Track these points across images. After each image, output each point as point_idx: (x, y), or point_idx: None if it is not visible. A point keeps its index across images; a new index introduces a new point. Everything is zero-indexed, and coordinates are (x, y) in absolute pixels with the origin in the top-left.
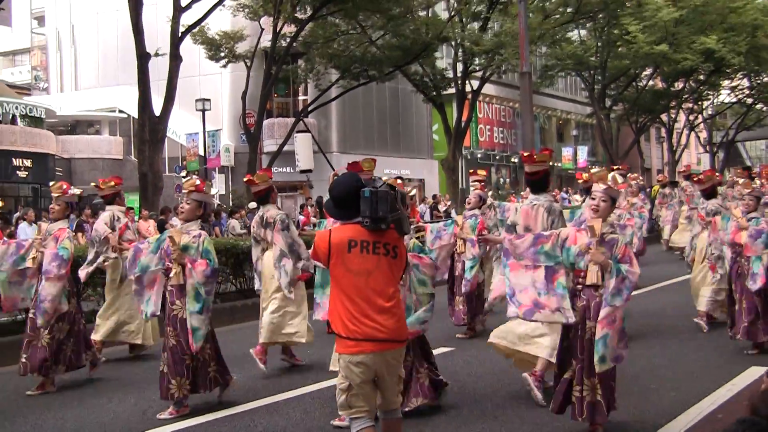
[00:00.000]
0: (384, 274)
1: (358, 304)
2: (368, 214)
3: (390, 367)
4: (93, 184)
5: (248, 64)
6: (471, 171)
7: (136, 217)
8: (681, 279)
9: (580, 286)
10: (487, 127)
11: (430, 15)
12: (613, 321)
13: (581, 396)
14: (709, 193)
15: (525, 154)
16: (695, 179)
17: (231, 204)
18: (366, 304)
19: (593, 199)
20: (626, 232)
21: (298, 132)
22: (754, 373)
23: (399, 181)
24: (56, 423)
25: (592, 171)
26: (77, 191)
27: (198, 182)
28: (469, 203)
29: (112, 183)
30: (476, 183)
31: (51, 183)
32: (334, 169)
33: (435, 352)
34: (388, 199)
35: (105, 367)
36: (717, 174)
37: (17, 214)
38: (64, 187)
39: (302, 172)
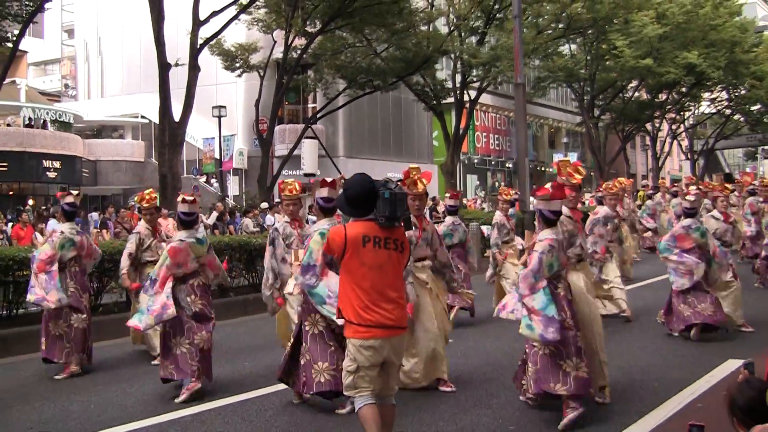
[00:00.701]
0: (394, 267)
1: (371, 294)
2: (387, 214)
3: (396, 352)
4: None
5: (261, 74)
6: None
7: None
8: (664, 277)
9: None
10: (484, 134)
11: (431, 29)
12: None
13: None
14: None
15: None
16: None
17: (244, 204)
18: (377, 294)
19: None
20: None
21: (305, 138)
22: (731, 365)
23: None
24: (81, 406)
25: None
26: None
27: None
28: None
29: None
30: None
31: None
32: (340, 173)
33: None
34: (404, 201)
35: (126, 355)
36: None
37: (47, 212)
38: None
39: (306, 175)
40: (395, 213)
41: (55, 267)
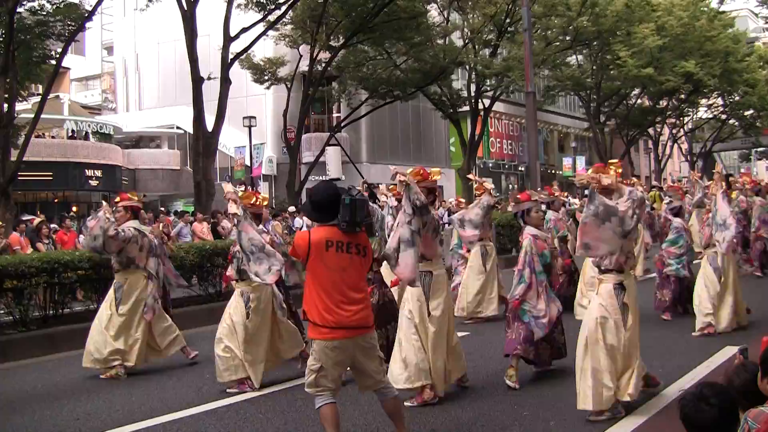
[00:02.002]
0: (356, 271)
1: (334, 296)
2: (348, 219)
3: (363, 350)
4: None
5: (288, 86)
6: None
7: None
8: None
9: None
10: (498, 140)
11: (447, 42)
12: None
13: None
14: None
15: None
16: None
17: (274, 208)
18: (340, 296)
19: None
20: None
21: (328, 146)
22: (728, 351)
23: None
24: (124, 399)
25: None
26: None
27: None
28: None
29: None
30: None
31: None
32: (363, 177)
33: None
34: (364, 207)
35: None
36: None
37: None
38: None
39: (330, 180)
40: (355, 218)
41: None
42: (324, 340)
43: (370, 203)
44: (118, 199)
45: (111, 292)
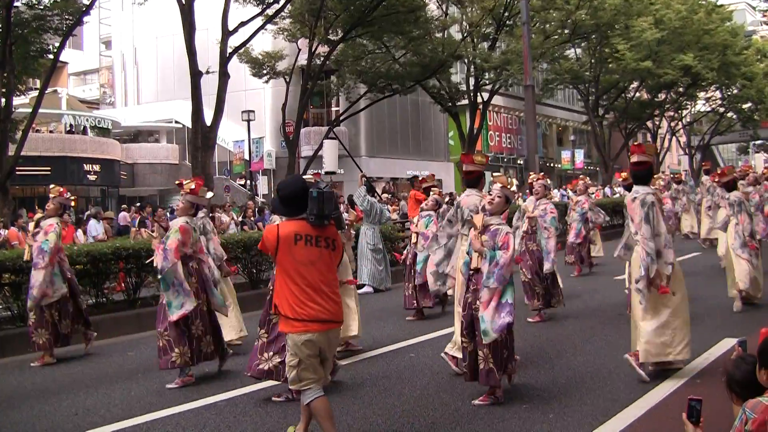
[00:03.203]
0: (325, 264)
1: (304, 290)
2: (315, 212)
3: (331, 345)
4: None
5: (287, 80)
6: (421, 179)
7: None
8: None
9: (471, 271)
10: (496, 133)
11: (445, 36)
12: (489, 301)
13: (479, 365)
14: (731, 186)
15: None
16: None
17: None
18: (311, 289)
19: (490, 195)
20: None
21: (324, 139)
22: (727, 343)
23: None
24: (123, 393)
25: (494, 174)
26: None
27: (193, 186)
28: (426, 205)
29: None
30: (435, 189)
31: (52, 186)
32: (362, 171)
33: (445, 332)
34: (332, 200)
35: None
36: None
37: (88, 213)
38: (61, 190)
39: (327, 173)
40: (323, 211)
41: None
42: (297, 333)
43: (369, 197)
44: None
45: None
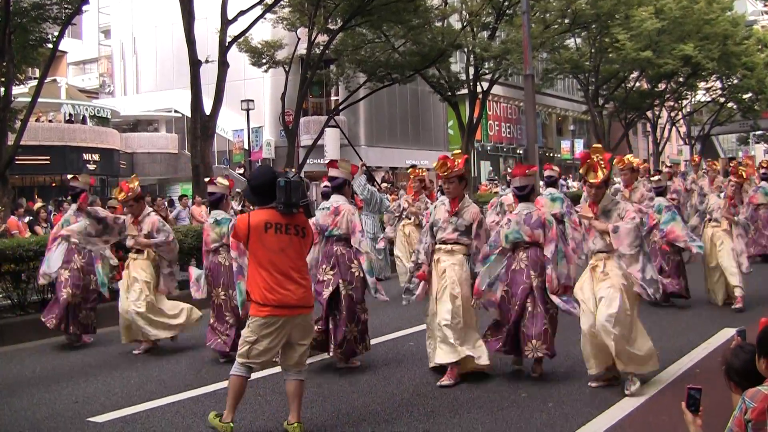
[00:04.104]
0: (295, 251)
1: (275, 276)
2: (283, 201)
3: (301, 329)
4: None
5: (286, 69)
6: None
7: (191, 203)
8: None
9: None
10: (496, 123)
11: (445, 25)
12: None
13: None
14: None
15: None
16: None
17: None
18: (281, 276)
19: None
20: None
21: (326, 128)
22: (726, 333)
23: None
24: (122, 381)
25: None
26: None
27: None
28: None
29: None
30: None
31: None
32: (362, 160)
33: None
34: (299, 188)
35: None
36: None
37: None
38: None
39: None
40: (290, 200)
41: None
42: (265, 317)
43: (369, 186)
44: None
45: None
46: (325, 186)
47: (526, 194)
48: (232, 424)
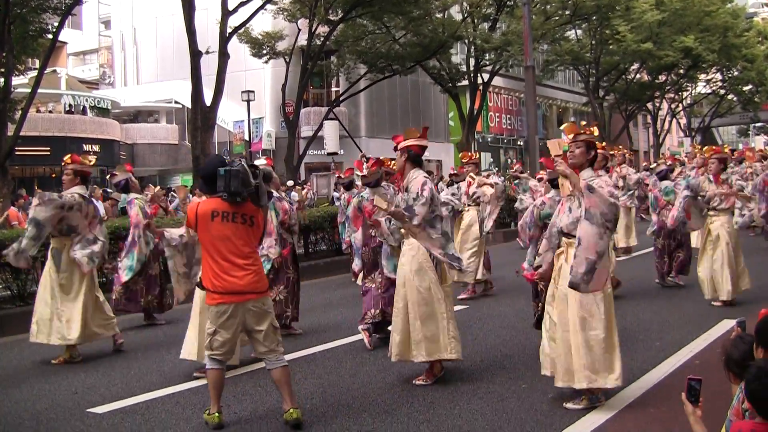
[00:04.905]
0: (242, 239)
1: (221, 264)
2: (223, 189)
3: (255, 315)
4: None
5: (287, 60)
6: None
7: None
8: None
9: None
10: (497, 114)
11: (446, 16)
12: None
13: None
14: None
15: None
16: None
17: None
18: (227, 263)
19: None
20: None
21: (326, 120)
22: (726, 324)
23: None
24: (122, 372)
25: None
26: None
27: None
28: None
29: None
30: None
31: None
32: (361, 151)
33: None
34: (240, 176)
35: (162, 324)
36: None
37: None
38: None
39: (329, 154)
40: (229, 188)
41: None
42: (215, 305)
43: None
44: (68, 159)
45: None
46: (339, 177)
47: (556, 183)
48: (217, 414)
